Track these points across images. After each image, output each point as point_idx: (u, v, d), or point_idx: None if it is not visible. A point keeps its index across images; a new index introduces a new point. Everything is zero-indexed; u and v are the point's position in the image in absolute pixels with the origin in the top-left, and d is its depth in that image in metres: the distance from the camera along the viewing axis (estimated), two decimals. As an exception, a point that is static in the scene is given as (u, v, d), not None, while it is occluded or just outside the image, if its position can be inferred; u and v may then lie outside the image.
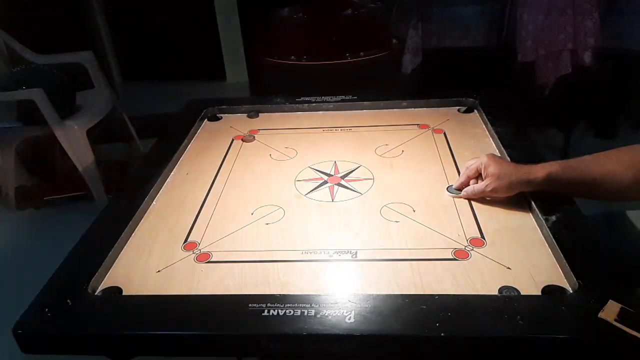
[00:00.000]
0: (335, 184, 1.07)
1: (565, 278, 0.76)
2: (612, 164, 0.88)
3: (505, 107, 1.32)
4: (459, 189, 0.99)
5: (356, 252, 0.85)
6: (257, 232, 0.93)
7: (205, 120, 1.42)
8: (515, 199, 0.95)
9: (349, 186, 1.06)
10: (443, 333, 0.66)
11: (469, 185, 0.98)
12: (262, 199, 1.03)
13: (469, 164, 0.98)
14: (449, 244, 0.86)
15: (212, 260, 0.86)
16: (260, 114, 1.43)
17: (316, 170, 1.13)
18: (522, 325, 0.67)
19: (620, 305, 0.67)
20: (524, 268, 0.79)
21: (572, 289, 0.73)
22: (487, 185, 0.92)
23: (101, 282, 0.81)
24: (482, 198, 0.96)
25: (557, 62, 2.28)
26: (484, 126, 1.27)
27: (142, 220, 0.97)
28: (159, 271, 0.84)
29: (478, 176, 0.97)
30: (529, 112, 2.35)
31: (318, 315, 0.69)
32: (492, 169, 0.92)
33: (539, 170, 0.89)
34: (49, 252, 1.10)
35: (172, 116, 1.47)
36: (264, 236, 0.92)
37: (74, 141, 2.16)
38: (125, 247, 0.90)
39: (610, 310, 0.67)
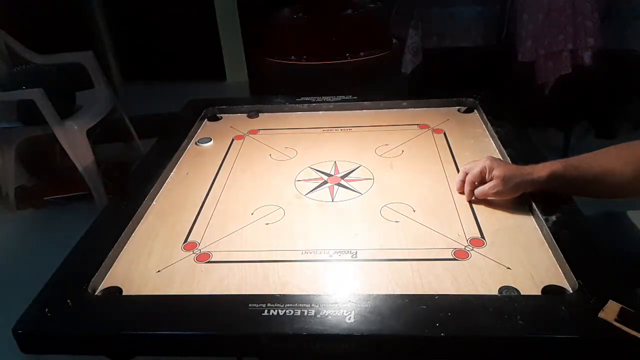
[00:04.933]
0: (335, 184, 1.07)
1: (565, 278, 0.76)
2: (611, 160, 0.89)
3: (505, 107, 1.32)
4: (460, 192, 0.99)
5: (356, 252, 0.85)
6: (257, 232, 0.93)
7: (205, 120, 1.41)
8: (515, 199, 0.95)
9: (349, 186, 1.06)
10: (443, 333, 0.66)
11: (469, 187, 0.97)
12: (262, 199, 1.03)
13: (467, 168, 0.97)
14: (449, 244, 0.86)
15: (212, 260, 0.86)
16: (260, 114, 1.42)
17: (316, 170, 1.13)
18: (522, 325, 0.67)
19: (620, 305, 0.67)
20: (524, 268, 0.79)
21: (572, 289, 0.73)
22: (492, 187, 0.92)
23: (101, 282, 0.81)
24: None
25: (557, 62, 2.28)
26: (484, 126, 1.27)
27: (142, 220, 0.97)
28: (159, 271, 0.84)
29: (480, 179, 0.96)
30: (529, 112, 2.35)
31: (318, 315, 0.69)
32: (497, 171, 0.92)
33: (542, 170, 0.89)
34: (49, 252, 1.10)
35: (172, 116, 1.47)
36: (264, 236, 0.92)
37: (74, 141, 2.15)
38: (125, 247, 0.90)
39: (610, 310, 0.67)
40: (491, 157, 0.96)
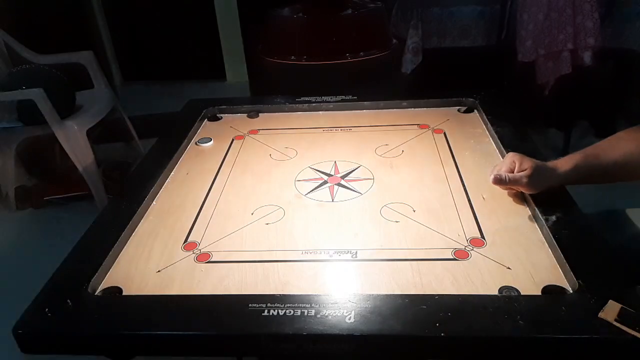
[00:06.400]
0: (335, 184, 1.07)
1: (565, 278, 0.76)
2: (625, 144, 0.90)
3: (505, 107, 1.32)
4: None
5: (356, 252, 0.85)
6: (257, 232, 0.93)
7: (205, 120, 1.42)
8: (515, 199, 0.95)
9: (349, 186, 1.06)
10: (443, 333, 0.66)
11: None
12: (262, 199, 1.03)
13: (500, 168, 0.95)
14: (449, 244, 0.86)
15: (212, 260, 0.86)
16: (260, 114, 1.43)
17: (316, 170, 1.13)
18: (522, 325, 0.67)
19: (620, 305, 0.67)
20: (524, 268, 0.79)
21: (572, 289, 0.74)
22: (525, 175, 0.91)
23: (101, 282, 0.82)
24: (482, 198, 0.96)
25: (557, 62, 2.28)
26: (484, 126, 1.27)
27: (142, 220, 0.97)
28: (159, 271, 0.84)
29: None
30: (529, 112, 2.35)
31: (318, 315, 0.69)
32: (527, 163, 0.92)
33: (565, 164, 0.91)
34: (49, 252, 1.10)
35: (172, 116, 1.47)
36: (264, 236, 0.92)
37: (74, 141, 2.15)
38: (125, 247, 0.90)
39: (610, 310, 0.67)
40: (515, 153, 0.96)
